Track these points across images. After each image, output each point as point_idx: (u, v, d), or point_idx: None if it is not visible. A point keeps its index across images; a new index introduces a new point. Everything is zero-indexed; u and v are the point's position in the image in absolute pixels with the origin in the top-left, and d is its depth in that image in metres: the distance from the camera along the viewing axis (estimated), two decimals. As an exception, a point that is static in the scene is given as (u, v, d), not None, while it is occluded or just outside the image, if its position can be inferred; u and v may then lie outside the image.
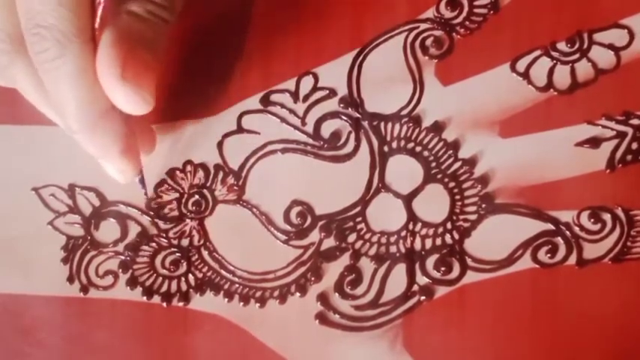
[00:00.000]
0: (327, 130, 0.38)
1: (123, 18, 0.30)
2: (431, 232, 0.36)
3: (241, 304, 0.36)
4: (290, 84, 0.38)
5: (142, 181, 0.36)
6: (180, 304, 0.37)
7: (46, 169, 0.38)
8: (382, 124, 0.38)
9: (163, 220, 0.38)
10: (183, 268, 0.37)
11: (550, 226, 0.36)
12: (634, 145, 0.37)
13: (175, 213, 0.38)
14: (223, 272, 0.37)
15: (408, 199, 0.37)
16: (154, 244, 0.37)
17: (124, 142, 0.33)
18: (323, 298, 0.36)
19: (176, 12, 0.33)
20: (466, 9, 0.39)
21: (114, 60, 0.29)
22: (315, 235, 0.37)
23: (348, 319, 0.36)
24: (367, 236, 0.37)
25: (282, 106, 0.38)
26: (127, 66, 0.30)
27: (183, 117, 0.38)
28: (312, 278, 0.36)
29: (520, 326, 0.35)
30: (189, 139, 0.38)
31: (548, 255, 0.36)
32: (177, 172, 0.38)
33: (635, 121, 0.37)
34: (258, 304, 0.36)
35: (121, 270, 0.37)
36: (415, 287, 0.36)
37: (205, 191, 0.38)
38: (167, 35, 0.32)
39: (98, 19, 0.31)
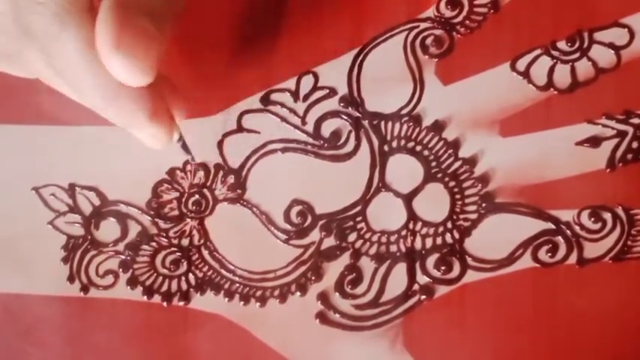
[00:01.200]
0: (327, 129, 0.38)
1: None
2: (431, 231, 0.36)
3: (242, 303, 0.36)
4: (290, 83, 0.38)
5: (185, 146, 0.36)
6: (181, 303, 0.37)
7: (46, 169, 0.38)
8: (382, 124, 0.38)
9: (163, 220, 0.38)
10: (184, 267, 0.37)
11: (550, 226, 0.36)
12: (634, 144, 0.37)
13: (175, 212, 0.38)
14: (224, 272, 0.37)
15: (409, 199, 0.37)
16: (154, 244, 0.37)
17: (151, 106, 0.31)
18: (323, 297, 0.36)
19: None
20: (466, 8, 0.39)
21: (108, 27, 0.28)
22: (315, 235, 0.37)
23: (348, 318, 0.36)
24: (367, 235, 0.37)
25: (283, 105, 0.38)
26: (123, 35, 0.28)
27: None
28: (313, 277, 0.36)
29: (520, 325, 0.35)
30: (190, 139, 0.38)
31: (549, 254, 0.36)
32: (178, 172, 0.38)
33: (635, 120, 0.37)
34: (258, 304, 0.36)
35: (121, 269, 0.37)
36: (415, 286, 0.36)
37: (205, 191, 0.37)
38: (179, 4, 0.30)
39: None
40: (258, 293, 0.36)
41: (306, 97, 0.38)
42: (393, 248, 0.36)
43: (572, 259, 0.36)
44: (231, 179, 0.38)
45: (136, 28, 0.28)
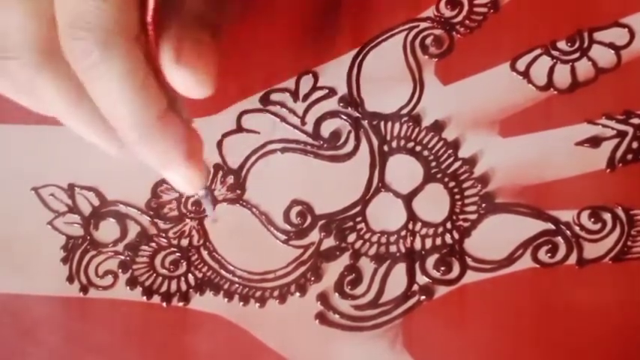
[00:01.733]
0: (326, 129, 0.38)
1: (185, 3, 0.28)
2: (431, 231, 0.36)
3: (241, 303, 0.36)
4: (290, 83, 0.38)
5: (208, 197, 0.33)
6: (180, 304, 0.37)
7: (45, 169, 0.38)
8: (382, 124, 0.38)
9: (163, 220, 0.38)
10: (183, 268, 0.37)
11: (550, 226, 0.36)
12: (634, 145, 0.37)
13: (175, 213, 0.38)
14: (223, 272, 0.37)
15: (408, 199, 0.37)
16: (153, 244, 0.37)
17: (188, 145, 0.30)
18: (323, 297, 0.36)
19: None
20: (466, 8, 0.39)
21: (169, 42, 0.28)
22: (314, 235, 0.37)
23: (348, 318, 0.36)
24: (367, 236, 0.37)
25: (282, 105, 0.38)
26: (183, 48, 0.28)
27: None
28: (312, 278, 0.36)
29: (520, 326, 0.35)
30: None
31: (549, 254, 0.36)
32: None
33: (635, 121, 0.37)
34: (258, 304, 0.36)
35: (120, 270, 0.37)
36: (415, 287, 0.36)
37: (205, 191, 0.37)
38: (230, 11, 0.30)
39: (151, 11, 0.28)
40: (258, 294, 0.36)
41: (305, 97, 0.38)
42: (393, 249, 0.36)
43: (572, 259, 0.36)
44: (230, 179, 0.37)
45: (195, 41, 0.28)
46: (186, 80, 0.28)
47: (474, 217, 0.36)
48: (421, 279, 0.36)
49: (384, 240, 0.37)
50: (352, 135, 0.38)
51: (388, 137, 0.38)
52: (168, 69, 0.28)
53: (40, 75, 0.28)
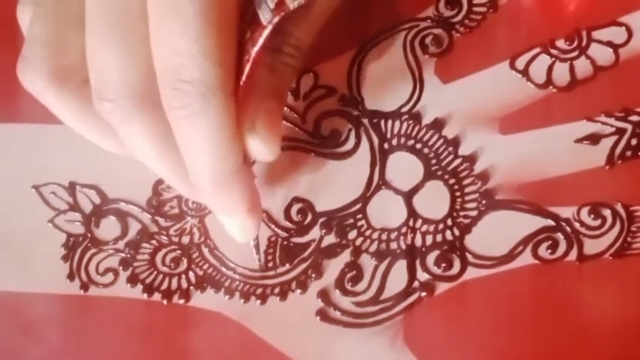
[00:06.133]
0: (327, 127, 0.38)
1: (264, 71, 0.31)
2: (431, 228, 0.37)
3: (242, 301, 0.36)
4: (290, 82, 0.38)
5: (257, 246, 0.36)
6: (181, 301, 0.37)
7: (46, 167, 0.38)
8: (382, 122, 0.38)
9: (164, 218, 0.38)
10: (184, 265, 0.37)
11: (550, 222, 0.36)
12: (633, 142, 0.37)
13: (176, 210, 0.38)
14: (224, 269, 0.37)
15: (409, 196, 0.37)
16: (154, 242, 0.37)
17: (252, 199, 0.33)
18: (324, 294, 0.36)
19: (304, 58, 0.33)
20: (465, 7, 0.39)
21: (247, 110, 0.30)
22: (315, 232, 0.37)
23: (348, 315, 0.36)
24: (368, 233, 0.37)
25: (283, 103, 0.38)
26: (257, 117, 0.30)
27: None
28: (313, 275, 0.36)
29: (521, 322, 0.35)
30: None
31: (549, 251, 0.36)
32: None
33: (634, 118, 0.37)
34: (258, 301, 0.36)
35: (121, 267, 0.37)
36: (416, 283, 0.36)
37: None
38: (293, 80, 0.33)
39: (245, 76, 0.30)
40: (259, 291, 0.36)
41: (305, 96, 0.38)
42: (394, 245, 0.36)
43: (573, 255, 0.36)
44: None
45: (266, 111, 0.30)
46: (256, 146, 0.31)
47: (474, 213, 0.37)
48: (422, 275, 0.36)
49: (384, 237, 0.37)
50: (352, 133, 0.38)
51: (388, 135, 0.38)
52: (245, 134, 0.30)
53: (131, 119, 0.30)
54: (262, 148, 0.31)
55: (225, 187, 0.31)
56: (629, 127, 0.37)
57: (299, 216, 0.37)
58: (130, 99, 0.29)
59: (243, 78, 0.30)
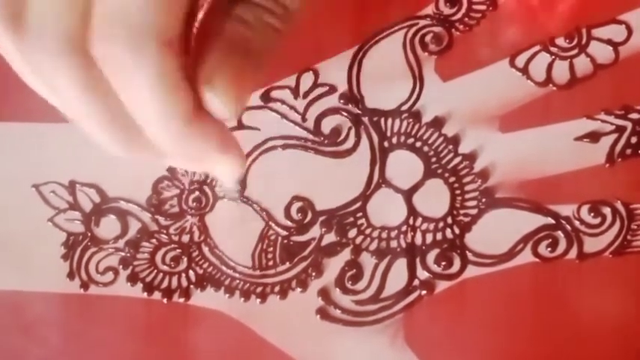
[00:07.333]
0: (327, 126, 0.38)
1: (227, 24, 0.28)
2: (431, 226, 0.37)
3: (242, 299, 0.36)
4: (290, 80, 0.38)
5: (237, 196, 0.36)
6: (181, 300, 0.37)
7: (46, 166, 0.38)
8: (382, 120, 0.38)
9: (164, 217, 0.38)
10: (184, 264, 0.37)
11: (550, 220, 0.36)
12: (633, 139, 0.37)
13: (176, 209, 0.38)
14: (224, 268, 0.37)
15: (409, 194, 0.37)
16: (154, 241, 0.37)
17: (221, 139, 0.29)
18: (324, 293, 0.36)
19: (292, 20, 0.31)
20: (465, 6, 0.39)
21: (205, 66, 0.27)
22: (315, 231, 0.37)
23: (349, 314, 0.36)
24: (368, 231, 0.37)
25: (283, 102, 0.38)
26: (217, 73, 0.27)
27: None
28: (313, 273, 0.36)
29: (521, 320, 0.35)
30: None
31: (549, 249, 0.36)
32: (178, 169, 0.38)
33: (633, 115, 0.37)
34: (259, 300, 0.36)
35: (121, 266, 0.37)
36: (416, 282, 0.36)
37: (206, 187, 0.38)
38: (276, 43, 0.29)
39: (197, 24, 0.27)
40: (259, 289, 0.36)
41: (306, 94, 0.38)
42: (394, 244, 0.36)
43: (572, 253, 0.36)
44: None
45: (232, 66, 0.28)
46: (211, 100, 0.27)
47: (474, 212, 0.37)
48: (422, 274, 0.36)
49: (384, 235, 0.37)
50: (353, 131, 0.38)
51: (388, 133, 0.38)
52: (202, 89, 0.27)
53: (59, 60, 0.28)
54: (217, 104, 0.28)
55: (185, 139, 0.28)
56: (629, 124, 0.37)
57: (299, 214, 0.37)
58: (60, 41, 0.26)
59: (196, 25, 0.27)
